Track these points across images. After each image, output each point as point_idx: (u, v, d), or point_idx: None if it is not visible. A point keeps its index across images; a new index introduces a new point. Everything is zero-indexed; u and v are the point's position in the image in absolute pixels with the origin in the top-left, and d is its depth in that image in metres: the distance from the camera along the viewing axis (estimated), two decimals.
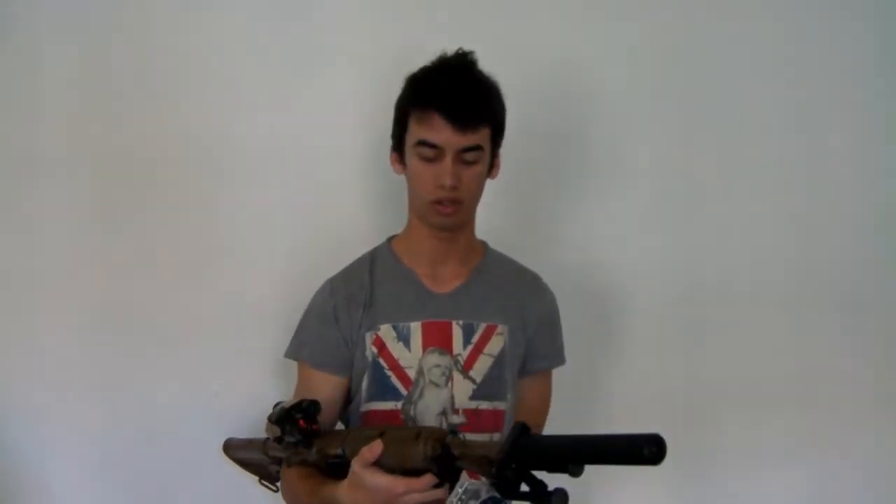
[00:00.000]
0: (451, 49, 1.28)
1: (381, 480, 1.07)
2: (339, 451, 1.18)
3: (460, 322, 1.32)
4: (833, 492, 1.72)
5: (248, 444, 1.40)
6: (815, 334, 1.73)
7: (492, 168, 1.33)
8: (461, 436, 1.08)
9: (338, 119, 1.62)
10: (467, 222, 1.34)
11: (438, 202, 1.25)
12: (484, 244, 1.42)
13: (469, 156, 1.24)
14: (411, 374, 1.30)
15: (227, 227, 1.62)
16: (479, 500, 0.94)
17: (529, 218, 1.69)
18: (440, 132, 1.22)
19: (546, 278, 1.43)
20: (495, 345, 1.33)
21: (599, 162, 1.70)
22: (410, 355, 1.30)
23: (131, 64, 1.61)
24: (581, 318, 1.59)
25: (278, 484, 1.37)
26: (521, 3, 1.68)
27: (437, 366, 1.30)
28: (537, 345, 1.38)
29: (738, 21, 1.72)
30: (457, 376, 1.30)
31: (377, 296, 1.33)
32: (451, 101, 1.22)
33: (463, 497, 0.95)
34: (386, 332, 1.31)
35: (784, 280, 1.72)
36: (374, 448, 1.09)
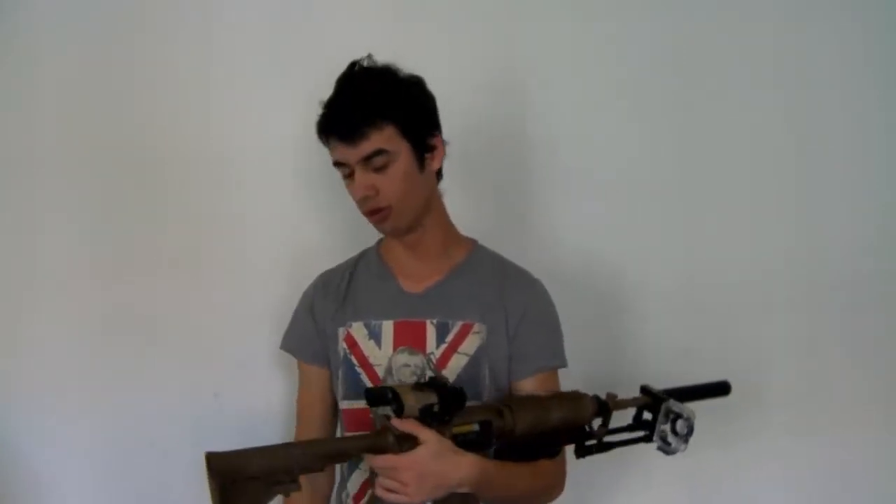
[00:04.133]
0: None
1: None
2: (474, 426, 1.16)
3: (434, 321, 1.31)
4: (834, 488, 1.72)
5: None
6: (815, 331, 1.72)
7: (426, 160, 1.29)
8: None
9: None
10: (427, 218, 1.32)
11: (367, 213, 1.28)
12: (473, 242, 1.41)
13: (376, 161, 1.24)
14: (380, 371, 1.30)
15: (227, 228, 1.63)
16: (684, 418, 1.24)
17: (525, 219, 1.70)
18: (338, 150, 1.26)
19: (545, 279, 1.41)
20: (471, 343, 1.31)
21: (596, 161, 1.70)
22: (380, 353, 1.31)
23: (131, 66, 1.61)
24: (581, 317, 1.59)
25: None
26: (507, 6, 1.68)
27: (406, 365, 1.30)
28: (523, 341, 1.32)
29: (737, 17, 1.72)
30: (430, 376, 1.29)
31: (354, 293, 1.36)
32: (333, 121, 1.25)
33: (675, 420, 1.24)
34: (358, 329, 1.32)
35: (784, 278, 1.72)
36: None
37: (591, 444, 1.25)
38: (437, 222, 1.35)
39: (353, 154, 1.24)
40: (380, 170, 1.24)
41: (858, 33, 1.74)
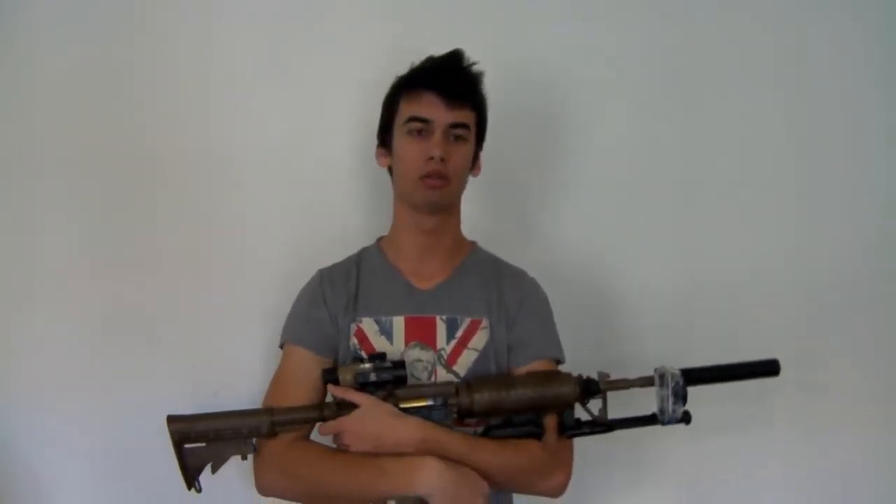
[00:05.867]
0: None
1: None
2: (429, 402, 1.23)
3: (444, 317, 1.33)
4: (834, 488, 1.72)
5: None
6: (815, 331, 1.73)
7: (474, 165, 1.37)
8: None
9: (337, 123, 1.63)
10: (452, 212, 1.37)
11: (427, 176, 1.28)
12: (473, 244, 1.44)
13: (457, 132, 1.30)
14: None
15: (227, 228, 1.63)
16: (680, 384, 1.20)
17: (525, 219, 1.70)
18: (431, 107, 1.28)
19: (546, 279, 1.42)
20: (480, 339, 1.33)
21: (596, 161, 1.70)
22: (392, 348, 1.32)
23: (131, 66, 1.61)
24: (581, 317, 1.59)
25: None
26: (508, 6, 1.69)
27: (419, 360, 1.31)
28: (520, 330, 1.34)
29: (737, 17, 1.72)
30: (440, 371, 1.31)
31: (362, 289, 1.36)
32: (443, 78, 1.29)
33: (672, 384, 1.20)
34: (368, 325, 1.33)
35: (784, 278, 1.72)
36: None
37: (583, 425, 1.25)
38: (455, 223, 1.40)
39: (446, 115, 1.29)
40: (456, 142, 1.30)
41: (858, 33, 1.75)
